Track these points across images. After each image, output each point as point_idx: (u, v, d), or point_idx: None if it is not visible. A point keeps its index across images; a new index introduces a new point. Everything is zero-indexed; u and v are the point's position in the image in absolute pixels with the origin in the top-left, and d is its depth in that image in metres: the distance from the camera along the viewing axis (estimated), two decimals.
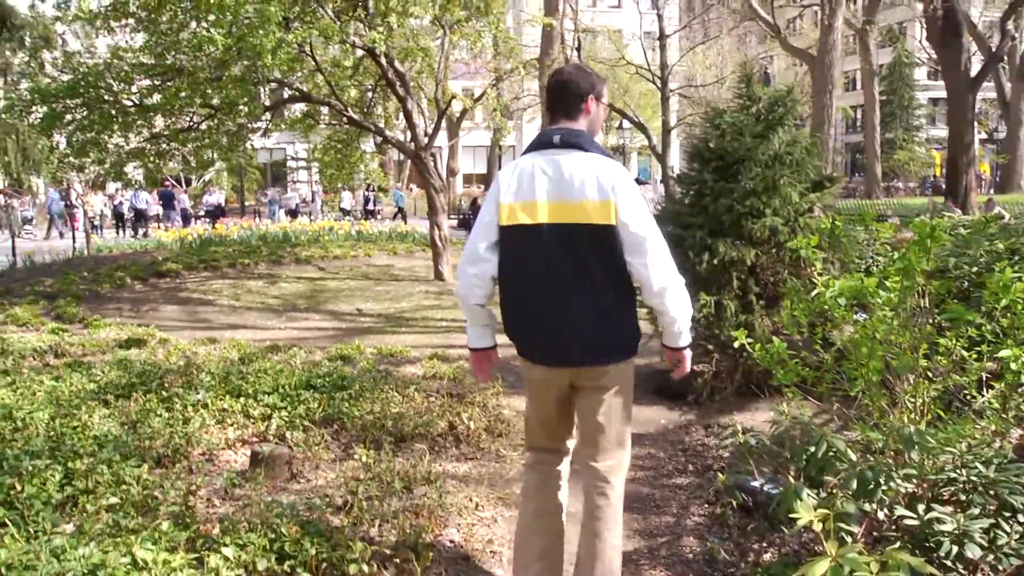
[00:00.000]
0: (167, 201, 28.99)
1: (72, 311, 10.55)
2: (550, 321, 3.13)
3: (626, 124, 34.89)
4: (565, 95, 3.21)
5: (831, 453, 3.45)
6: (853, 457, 3.45)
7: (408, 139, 14.13)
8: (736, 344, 4.23)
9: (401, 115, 15.29)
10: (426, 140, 13.63)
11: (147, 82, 12.37)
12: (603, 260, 3.06)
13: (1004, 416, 3.76)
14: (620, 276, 3.09)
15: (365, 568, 3.44)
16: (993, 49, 29.43)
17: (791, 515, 3.09)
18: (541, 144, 3.17)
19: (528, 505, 3.36)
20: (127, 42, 12.65)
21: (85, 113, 11.98)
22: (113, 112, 11.89)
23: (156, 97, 12.12)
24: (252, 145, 15.99)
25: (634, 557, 3.92)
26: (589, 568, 3.18)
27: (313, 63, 12.88)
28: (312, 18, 11.79)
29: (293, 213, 33.07)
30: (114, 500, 4.02)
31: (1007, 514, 3.22)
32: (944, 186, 26.45)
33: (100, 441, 4.83)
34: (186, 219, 29.08)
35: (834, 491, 3.47)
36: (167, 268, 14.33)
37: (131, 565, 3.20)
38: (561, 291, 3.08)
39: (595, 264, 3.06)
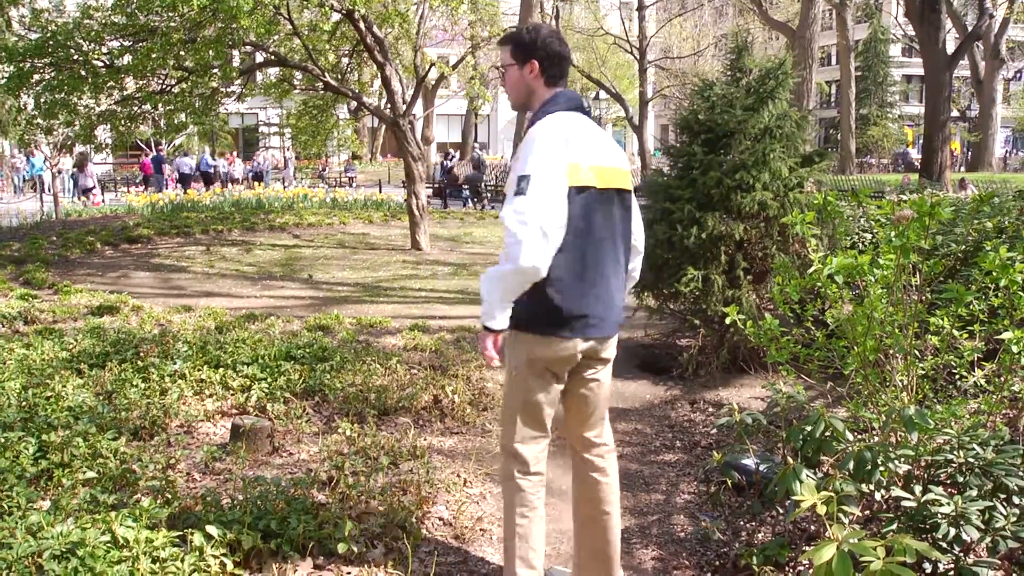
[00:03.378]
0: (157, 166, 28.88)
1: (41, 276, 10.32)
2: (604, 289, 3.02)
3: (603, 95, 34.68)
4: (568, 64, 3.12)
5: (828, 433, 3.40)
6: (850, 437, 3.41)
7: (385, 106, 13.91)
8: (727, 320, 4.17)
9: (377, 82, 15.07)
10: (404, 107, 13.43)
11: (118, 42, 12.06)
12: (628, 226, 3.14)
13: (997, 396, 3.74)
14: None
15: (354, 547, 3.36)
16: (968, 27, 29.55)
17: (792, 496, 3.05)
18: (578, 106, 3.07)
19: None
20: (98, 0, 12.32)
21: (54, 73, 11.68)
22: (83, 72, 11.61)
23: (127, 58, 11.82)
24: (226, 109, 15.70)
25: (625, 536, 3.86)
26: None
27: (290, 26, 12.62)
28: None
29: (259, 177, 32.72)
30: (91, 474, 3.89)
31: (1003, 496, 3.19)
32: (918, 163, 26.59)
33: (75, 412, 4.70)
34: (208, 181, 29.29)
35: (830, 471, 3.43)
36: (139, 234, 14.12)
37: (111, 543, 3.08)
38: (613, 257, 3.06)
39: (626, 230, 3.13)
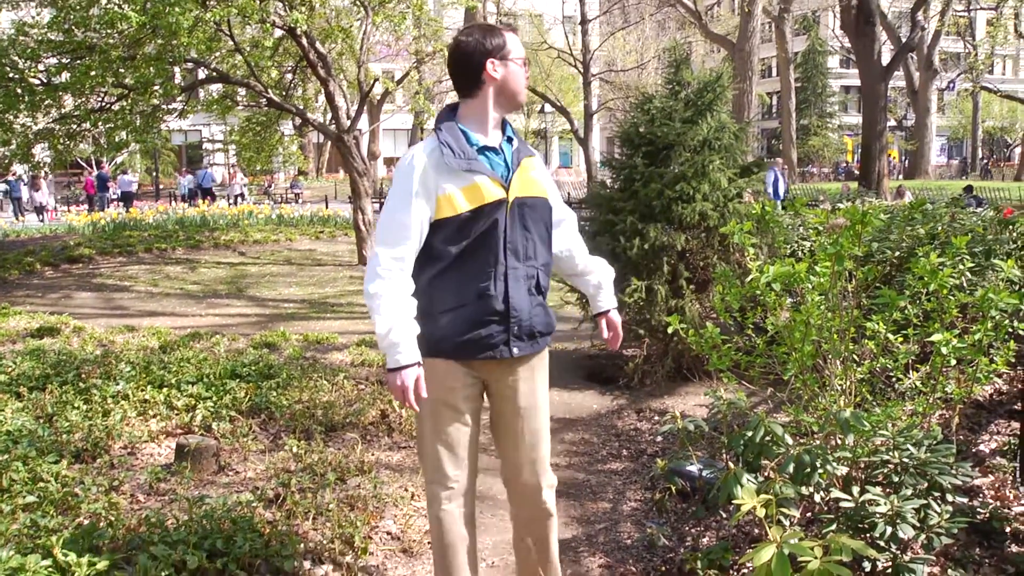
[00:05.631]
0: (102, 184, 28.60)
1: None
2: None
3: (548, 108, 34.92)
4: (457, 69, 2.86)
5: (768, 438, 3.47)
6: (790, 441, 3.49)
7: (329, 122, 13.88)
8: (669, 329, 4.23)
9: (322, 98, 15.01)
10: (348, 123, 13.40)
11: (55, 60, 11.87)
12: None
13: (931, 397, 3.84)
14: None
15: (302, 564, 3.35)
16: (903, 39, 30.31)
17: (734, 501, 3.11)
18: None
19: None
20: (33, 17, 12.12)
21: None
22: (19, 91, 11.38)
23: (65, 75, 11.64)
24: (168, 127, 15.52)
25: (572, 544, 3.90)
26: None
27: (231, 43, 12.53)
28: None
29: (194, 195, 32.56)
30: (31, 499, 3.83)
31: (937, 494, 3.29)
32: (857, 172, 27.17)
33: (14, 436, 4.61)
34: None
35: (771, 475, 3.50)
36: (79, 253, 13.87)
37: (52, 568, 3.04)
38: None
39: None
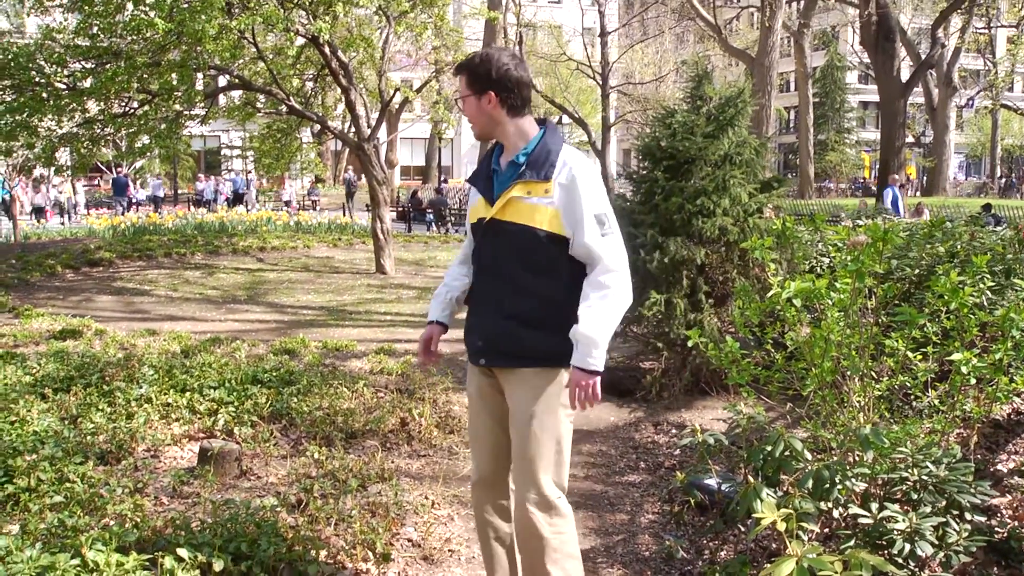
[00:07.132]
0: (119, 189, 29.05)
1: (1, 300, 10.21)
2: None
3: (566, 119, 34.98)
4: (530, 89, 3.04)
5: (787, 453, 3.50)
6: (809, 456, 3.51)
7: (349, 130, 13.98)
8: (689, 343, 4.26)
9: (341, 106, 15.13)
10: (369, 131, 13.49)
11: (81, 65, 12.02)
12: None
13: (949, 415, 3.85)
14: None
15: (324, 569, 3.39)
16: (922, 56, 30.28)
17: (753, 515, 3.13)
18: None
19: None
20: (60, 23, 12.28)
21: (15, 95, 11.61)
22: (45, 95, 11.54)
23: (90, 80, 11.78)
24: (189, 132, 15.67)
25: (591, 555, 3.93)
26: None
27: (255, 50, 12.66)
28: (256, 4, 11.57)
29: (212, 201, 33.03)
30: (58, 499, 3.90)
31: (956, 512, 3.31)
32: (875, 188, 27.13)
33: (40, 437, 4.68)
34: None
35: (790, 490, 3.52)
36: (100, 257, 14.00)
37: (81, 567, 3.09)
38: None
39: None
